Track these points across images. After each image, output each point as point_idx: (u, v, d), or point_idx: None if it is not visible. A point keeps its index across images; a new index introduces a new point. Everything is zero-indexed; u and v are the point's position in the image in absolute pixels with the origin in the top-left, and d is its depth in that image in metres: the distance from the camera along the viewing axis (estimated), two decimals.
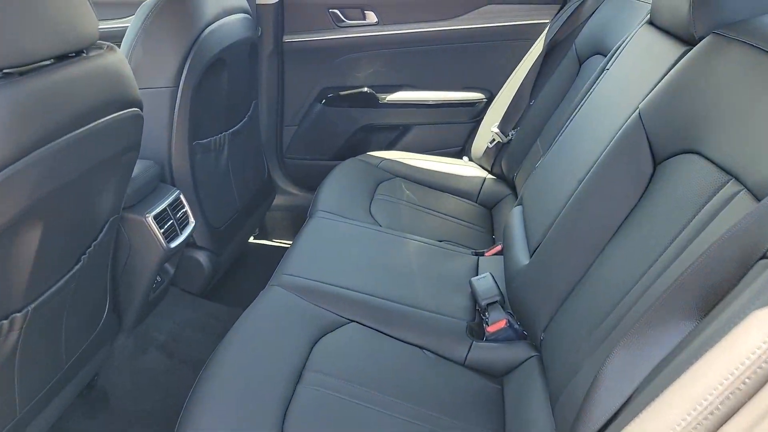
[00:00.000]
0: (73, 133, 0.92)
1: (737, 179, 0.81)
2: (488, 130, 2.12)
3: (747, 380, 0.55)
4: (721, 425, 0.56)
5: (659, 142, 1.01)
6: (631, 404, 0.68)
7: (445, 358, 1.22)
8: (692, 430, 0.57)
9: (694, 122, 0.93)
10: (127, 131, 1.12)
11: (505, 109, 2.04)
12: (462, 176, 2.09)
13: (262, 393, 0.99)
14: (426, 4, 2.13)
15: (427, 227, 1.77)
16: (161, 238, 1.45)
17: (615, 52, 1.43)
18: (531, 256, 1.24)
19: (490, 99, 2.20)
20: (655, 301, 0.72)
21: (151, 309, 1.61)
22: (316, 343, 1.16)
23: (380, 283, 1.39)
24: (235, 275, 2.14)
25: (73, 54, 0.98)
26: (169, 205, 1.52)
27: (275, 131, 2.31)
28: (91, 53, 1.02)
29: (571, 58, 1.84)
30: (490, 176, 2.10)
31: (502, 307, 1.34)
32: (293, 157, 2.37)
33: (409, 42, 2.17)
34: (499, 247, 1.61)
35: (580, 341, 0.95)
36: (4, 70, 0.84)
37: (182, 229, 1.56)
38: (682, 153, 0.95)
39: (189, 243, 1.70)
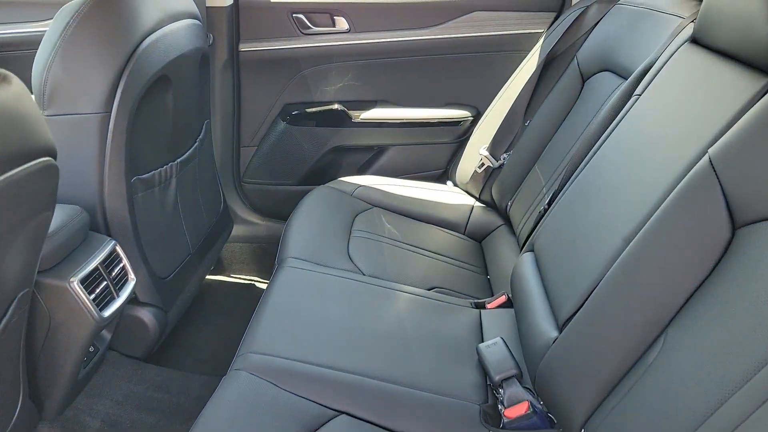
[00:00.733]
0: None
1: None
2: (475, 153, 1.88)
3: None
4: None
5: (740, 201, 0.78)
6: None
7: None
8: None
9: None
10: (36, 188, 0.82)
11: (495, 130, 1.81)
12: (447, 204, 1.85)
13: None
14: (404, 9, 1.88)
15: (415, 271, 1.52)
16: (91, 307, 1.15)
17: (641, 73, 1.21)
18: (561, 329, 1.00)
19: (476, 117, 1.97)
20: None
21: (81, 388, 1.30)
22: None
23: (372, 358, 1.13)
24: (188, 324, 1.84)
25: None
26: (102, 261, 1.21)
27: (231, 154, 2.02)
28: None
29: (573, 74, 1.62)
30: (478, 204, 1.87)
31: (519, 381, 1.10)
32: (253, 182, 2.08)
33: (385, 52, 1.92)
34: (503, 298, 1.38)
35: None
36: None
37: (120, 289, 1.26)
38: None
39: (130, 299, 1.40)
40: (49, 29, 1.22)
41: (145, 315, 1.44)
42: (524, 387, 1.10)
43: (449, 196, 1.89)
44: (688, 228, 0.83)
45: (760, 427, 0.66)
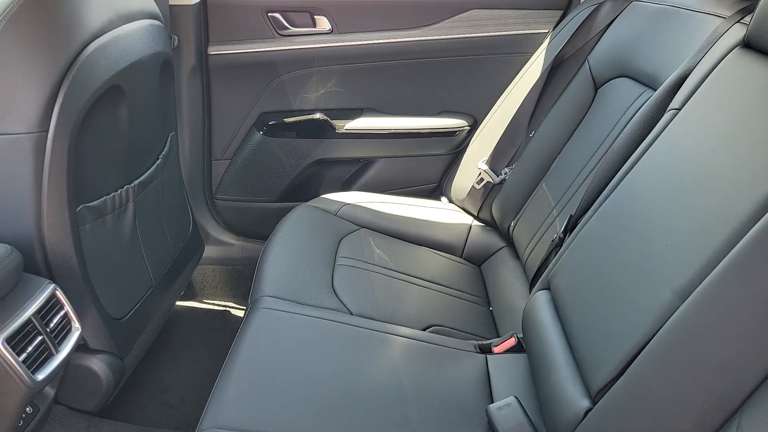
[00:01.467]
0: None
1: None
2: (473, 166, 1.70)
3: None
4: None
5: None
6: None
7: None
8: None
9: None
10: None
11: (495, 142, 1.63)
12: (442, 223, 1.67)
13: None
14: (393, 7, 1.68)
15: (409, 307, 1.33)
16: (21, 371, 0.95)
17: (675, 83, 1.03)
18: (594, 399, 0.82)
19: (473, 127, 1.79)
20: None
21: None
22: None
23: (361, 423, 0.95)
24: (152, 362, 1.63)
25: None
26: (38, 311, 1.01)
27: (202, 168, 1.82)
28: None
29: (584, 80, 1.44)
30: (476, 223, 1.69)
31: None
32: (226, 199, 1.88)
33: (372, 55, 1.72)
34: (512, 341, 1.20)
35: None
36: None
37: (61, 342, 1.06)
38: None
39: (79, 346, 1.20)
40: None
41: (97, 364, 1.23)
42: None
43: (444, 215, 1.71)
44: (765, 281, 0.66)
45: None
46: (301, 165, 1.83)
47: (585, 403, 0.84)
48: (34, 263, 1.10)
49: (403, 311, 1.31)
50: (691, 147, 0.86)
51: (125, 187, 1.30)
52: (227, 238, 1.92)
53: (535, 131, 1.54)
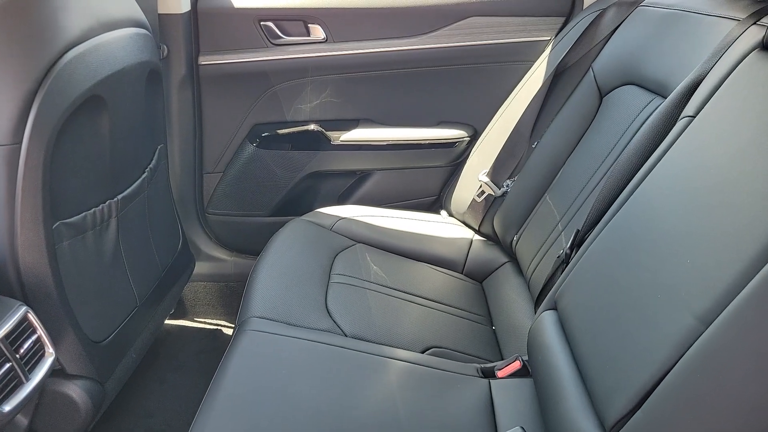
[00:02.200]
0: None
1: None
2: (473, 178, 1.64)
3: None
4: None
5: None
6: None
7: None
8: None
9: None
10: None
11: (496, 153, 1.57)
12: (442, 238, 1.61)
13: None
14: (389, 15, 1.63)
15: (407, 327, 1.26)
16: None
17: (688, 89, 0.97)
18: None
19: (474, 138, 1.73)
20: None
21: None
22: None
23: None
24: (137, 384, 1.56)
25: None
26: (7, 336, 0.94)
27: (193, 182, 1.76)
28: None
29: (589, 88, 1.38)
30: (477, 237, 1.63)
31: None
32: (218, 213, 1.82)
33: (368, 65, 1.67)
34: (517, 364, 1.13)
35: None
36: None
37: (32, 369, 0.99)
38: None
39: (55, 370, 1.13)
40: None
41: (75, 390, 1.16)
42: None
43: (444, 229, 1.65)
44: None
45: None
46: (296, 178, 1.77)
47: None
48: (7, 283, 1.04)
49: (401, 332, 1.24)
50: (709, 156, 0.79)
51: (107, 202, 1.24)
52: (219, 253, 1.86)
53: (538, 142, 1.48)
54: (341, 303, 1.27)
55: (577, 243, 1.10)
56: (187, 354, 1.73)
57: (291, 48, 1.66)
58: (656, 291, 0.77)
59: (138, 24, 1.33)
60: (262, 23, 1.64)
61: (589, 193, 1.24)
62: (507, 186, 1.55)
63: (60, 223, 1.10)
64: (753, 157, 0.72)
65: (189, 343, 1.78)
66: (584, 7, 1.56)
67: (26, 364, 0.97)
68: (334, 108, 1.72)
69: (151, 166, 1.43)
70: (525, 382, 1.09)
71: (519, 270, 1.47)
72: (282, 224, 1.52)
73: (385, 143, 1.74)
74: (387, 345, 1.17)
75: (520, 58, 1.63)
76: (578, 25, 1.48)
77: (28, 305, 1.01)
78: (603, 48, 1.39)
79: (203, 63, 1.64)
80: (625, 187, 0.98)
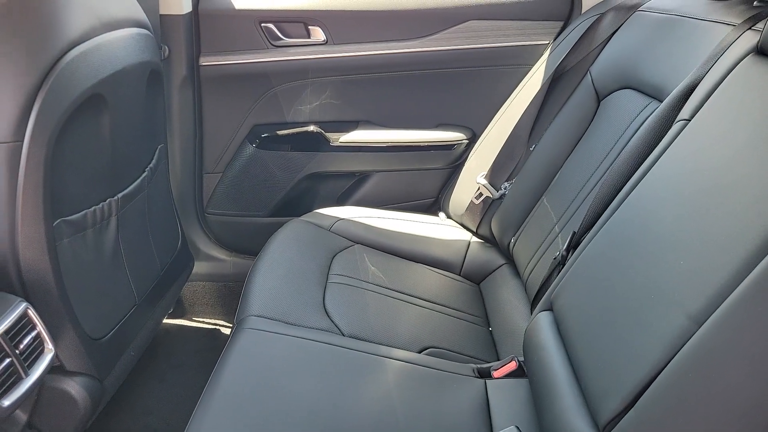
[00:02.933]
0: None
1: None
2: (471, 181, 1.65)
3: None
4: None
5: None
6: None
7: None
8: None
9: None
10: None
11: (494, 155, 1.58)
12: (440, 240, 1.61)
13: None
14: (389, 18, 1.64)
15: (404, 327, 1.27)
16: None
17: (683, 93, 0.98)
18: None
19: (472, 140, 1.74)
20: None
21: None
22: None
23: None
24: (136, 382, 1.57)
25: None
26: (7, 331, 0.95)
27: (193, 182, 1.77)
28: None
29: (587, 92, 1.39)
30: (475, 239, 1.63)
31: None
32: (217, 213, 1.83)
33: (368, 67, 1.68)
34: (512, 365, 1.13)
35: None
36: None
37: (32, 364, 1.00)
38: None
39: (54, 367, 1.14)
40: None
41: (73, 387, 1.17)
42: None
43: (442, 231, 1.65)
44: None
45: None
46: (295, 179, 1.77)
47: None
48: (7, 280, 1.05)
49: (398, 332, 1.24)
50: (703, 159, 0.80)
51: (108, 201, 1.25)
52: (218, 253, 1.87)
53: (536, 145, 1.49)
54: (339, 303, 1.27)
55: (574, 245, 1.11)
56: (186, 353, 1.74)
57: (291, 50, 1.67)
58: (650, 292, 0.78)
59: (139, 24, 1.34)
60: (262, 25, 1.65)
61: (585, 196, 1.25)
62: (505, 188, 1.56)
63: (61, 221, 1.11)
64: (747, 161, 0.73)
65: (188, 342, 1.79)
66: (582, 12, 1.57)
67: (26, 359, 0.98)
68: (334, 109, 1.73)
69: (151, 165, 1.44)
70: (520, 383, 1.09)
71: (516, 272, 1.48)
72: (281, 225, 1.53)
73: (384, 145, 1.75)
74: (384, 345, 1.18)
75: (518, 62, 1.64)
76: (576, 30, 1.50)
77: (28, 301, 1.02)
78: (601, 52, 1.40)
79: (204, 64, 1.65)
80: (620, 190, 0.99)
